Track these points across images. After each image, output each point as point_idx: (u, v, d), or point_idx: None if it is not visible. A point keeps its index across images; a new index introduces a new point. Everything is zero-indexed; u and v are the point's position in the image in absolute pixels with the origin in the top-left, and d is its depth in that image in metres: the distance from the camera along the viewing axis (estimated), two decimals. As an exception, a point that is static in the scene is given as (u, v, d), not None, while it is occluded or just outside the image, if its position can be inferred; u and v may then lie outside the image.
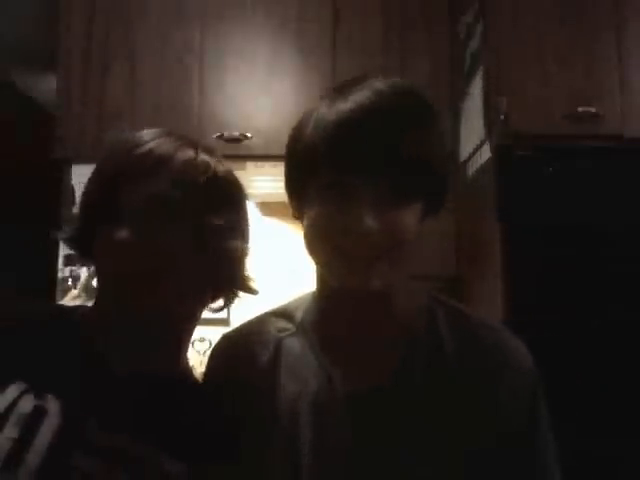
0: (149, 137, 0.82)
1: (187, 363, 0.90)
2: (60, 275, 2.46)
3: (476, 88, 2.05)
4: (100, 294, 0.83)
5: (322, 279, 0.85)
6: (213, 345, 0.93)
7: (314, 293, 0.89)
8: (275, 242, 2.45)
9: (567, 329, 1.74)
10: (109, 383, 0.79)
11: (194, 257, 0.79)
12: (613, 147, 1.87)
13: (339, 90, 0.79)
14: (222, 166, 0.86)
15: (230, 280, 0.88)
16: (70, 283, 2.44)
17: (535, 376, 0.80)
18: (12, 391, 0.74)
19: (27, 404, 0.74)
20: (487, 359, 0.79)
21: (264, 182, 2.26)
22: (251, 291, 0.91)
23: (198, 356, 2.30)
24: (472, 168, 2.10)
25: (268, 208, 2.46)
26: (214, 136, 2.15)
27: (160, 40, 2.24)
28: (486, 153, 1.95)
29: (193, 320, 0.87)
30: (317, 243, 0.78)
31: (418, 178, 0.74)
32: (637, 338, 1.75)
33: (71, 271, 2.44)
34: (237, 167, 2.59)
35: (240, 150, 2.15)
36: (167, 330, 0.82)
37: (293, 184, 0.84)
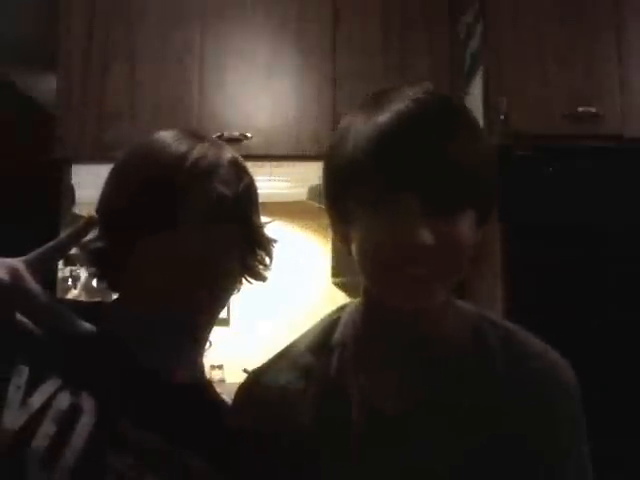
0: (188, 145, 0.83)
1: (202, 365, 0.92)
2: (60, 275, 2.46)
3: (476, 88, 2.05)
4: (136, 297, 0.83)
5: (368, 293, 0.81)
6: (240, 383, 0.88)
7: (356, 306, 0.85)
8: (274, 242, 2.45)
9: (567, 329, 1.74)
10: (141, 382, 0.80)
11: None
12: (613, 147, 1.87)
13: (375, 100, 0.75)
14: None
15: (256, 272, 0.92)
16: (70, 283, 2.44)
17: (577, 401, 0.80)
18: (49, 386, 0.75)
19: (64, 400, 0.74)
20: (534, 384, 0.77)
21: (264, 182, 2.26)
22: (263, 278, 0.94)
23: (198, 356, 2.29)
24: (472, 168, 2.10)
25: (268, 208, 2.45)
26: (214, 136, 2.15)
27: (160, 40, 2.23)
28: (486, 153, 1.95)
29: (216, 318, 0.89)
30: (369, 264, 0.74)
31: (469, 186, 0.71)
32: (637, 338, 1.75)
33: (71, 271, 2.44)
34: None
35: (240, 150, 2.12)
36: (198, 331, 0.85)
37: (336, 205, 0.79)
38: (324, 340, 0.83)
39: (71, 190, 2.21)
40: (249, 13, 2.26)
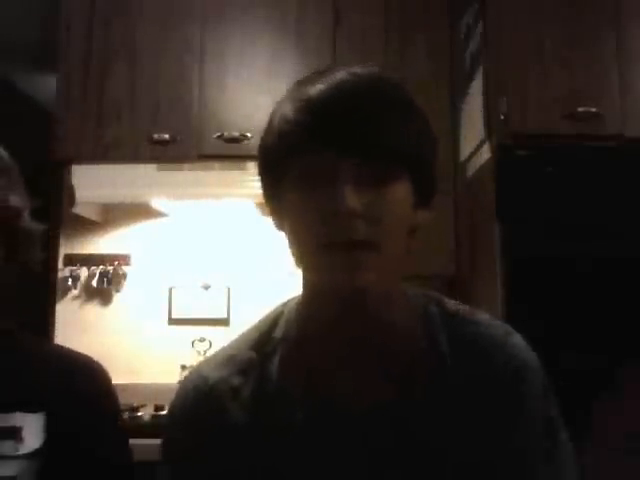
0: None
1: None
2: (60, 275, 2.46)
3: (476, 88, 2.05)
4: None
5: (307, 284, 0.76)
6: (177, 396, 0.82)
7: (298, 300, 0.80)
8: (274, 242, 2.45)
9: (566, 330, 1.74)
10: None
11: None
12: (613, 147, 1.87)
13: (306, 80, 0.76)
14: None
15: None
16: (70, 283, 2.44)
17: (540, 379, 0.75)
18: None
19: None
20: (488, 367, 0.74)
21: (264, 182, 2.26)
22: None
23: (198, 356, 2.29)
24: (472, 168, 2.10)
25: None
26: (214, 136, 2.15)
27: (160, 40, 2.24)
28: (486, 153, 1.95)
29: None
30: (297, 239, 0.72)
31: (403, 155, 0.69)
32: (637, 337, 1.75)
33: (71, 271, 2.44)
34: (237, 167, 2.59)
35: (240, 150, 2.15)
36: None
37: (268, 187, 0.76)
38: (265, 337, 0.79)
39: (71, 190, 2.21)
40: (249, 14, 2.27)
